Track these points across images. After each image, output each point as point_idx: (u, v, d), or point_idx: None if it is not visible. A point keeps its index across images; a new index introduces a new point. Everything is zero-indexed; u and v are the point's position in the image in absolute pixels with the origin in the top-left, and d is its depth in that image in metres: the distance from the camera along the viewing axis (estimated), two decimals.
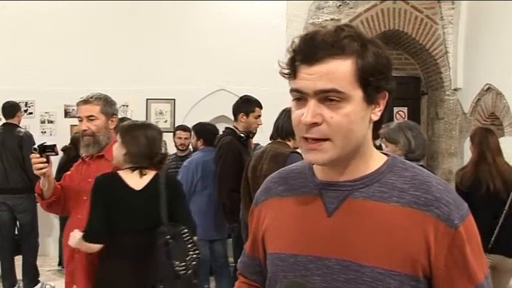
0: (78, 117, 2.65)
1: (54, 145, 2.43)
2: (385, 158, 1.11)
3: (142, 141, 2.45)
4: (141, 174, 2.45)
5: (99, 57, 6.35)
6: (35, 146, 2.42)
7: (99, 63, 6.33)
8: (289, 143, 3.31)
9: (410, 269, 0.99)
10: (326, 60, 0.99)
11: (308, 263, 1.07)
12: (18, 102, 5.64)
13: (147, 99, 6.48)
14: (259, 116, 4.01)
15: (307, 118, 1.00)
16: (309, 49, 1.00)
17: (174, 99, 6.49)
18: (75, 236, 2.39)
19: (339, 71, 0.98)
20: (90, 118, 2.58)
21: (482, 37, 5.61)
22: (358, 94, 1.00)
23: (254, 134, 4.08)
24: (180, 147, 5.30)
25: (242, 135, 3.97)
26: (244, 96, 4.14)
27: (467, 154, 5.74)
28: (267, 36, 6.26)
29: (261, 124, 4.05)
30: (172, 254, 2.35)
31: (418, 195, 1.02)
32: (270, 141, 3.49)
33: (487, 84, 5.43)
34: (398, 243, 1.00)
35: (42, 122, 6.51)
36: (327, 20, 6.31)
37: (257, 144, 4.64)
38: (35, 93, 6.37)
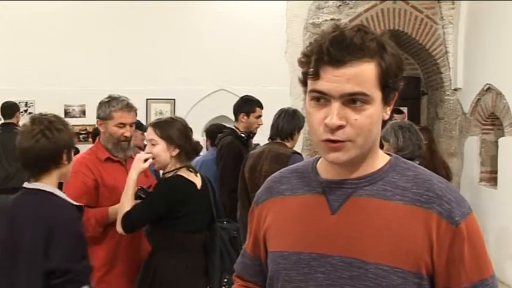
0: (121, 123, 2.70)
1: (149, 186, 2.54)
2: (388, 157, 1.12)
3: (190, 135, 2.55)
4: (196, 173, 2.54)
5: (99, 58, 6.35)
6: (142, 195, 2.45)
7: (99, 64, 6.32)
8: (287, 143, 3.30)
9: (413, 266, 1.00)
10: (353, 63, 0.99)
11: (311, 260, 1.07)
12: (18, 102, 5.65)
13: (147, 99, 6.48)
14: (260, 116, 4.01)
15: (333, 121, 0.99)
16: (338, 51, 0.98)
17: (174, 99, 6.49)
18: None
19: (365, 74, 0.99)
20: (131, 125, 2.76)
21: (482, 37, 5.61)
22: (379, 96, 1.02)
23: (255, 134, 4.08)
24: None
25: (243, 135, 3.97)
26: (244, 96, 4.14)
27: (468, 154, 5.76)
28: (267, 36, 6.26)
29: (261, 124, 4.04)
30: (239, 247, 2.49)
31: (421, 193, 1.03)
32: (267, 142, 3.48)
33: (487, 84, 5.43)
34: (402, 241, 1.01)
35: None
36: (327, 20, 6.30)
37: (257, 145, 4.64)
38: (35, 93, 6.36)
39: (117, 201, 2.47)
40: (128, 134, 2.73)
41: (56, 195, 1.98)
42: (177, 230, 2.39)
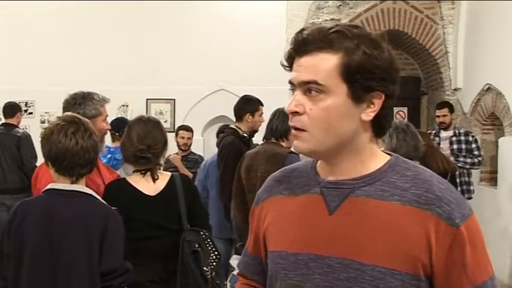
0: (106, 116, 2.63)
1: None
2: (387, 157, 1.10)
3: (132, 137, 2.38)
4: (154, 179, 2.38)
5: (99, 57, 6.35)
6: None
7: (99, 63, 6.33)
8: (283, 143, 3.30)
9: (411, 268, 0.99)
10: (313, 53, 1.02)
11: (309, 261, 1.06)
12: (18, 102, 5.65)
13: (147, 99, 6.49)
14: (262, 113, 4.03)
15: (289, 106, 1.05)
16: (300, 42, 1.04)
17: (174, 99, 6.49)
18: None
19: (322, 64, 1.01)
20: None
21: (482, 37, 5.61)
22: (342, 90, 1.01)
23: (256, 132, 4.09)
24: (182, 147, 5.31)
25: (245, 135, 3.97)
26: (244, 96, 4.14)
27: None
28: (267, 36, 6.26)
29: (263, 121, 4.05)
30: (201, 261, 2.37)
31: (420, 193, 1.02)
32: (262, 142, 3.48)
33: (487, 84, 5.43)
34: (400, 242, 1.00)
35: (42, 122, 6.51)
36: (327, 20, 6.30)
37: (257, 145, 4.66)
38: (35, 93, 6.37)
39: None
40: (108, 126, 2.65)
41: (95, 197, 2.00)
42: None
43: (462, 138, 5.22)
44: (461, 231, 0.99)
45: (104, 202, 2.04)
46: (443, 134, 5.32)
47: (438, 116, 5.40)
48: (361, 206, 1.04)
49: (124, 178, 2.42)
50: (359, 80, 1.00)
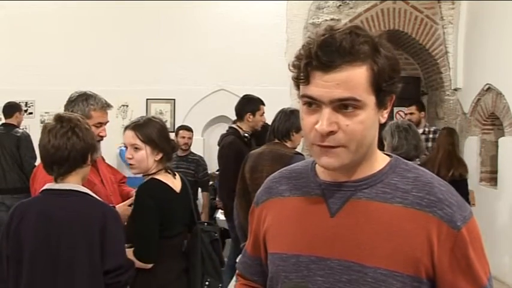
0: (99, 123, 2.54)
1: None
2: (388, 159, 1.11)
3: (169, 136, 2.42)
4: (174, 175, 2.43)
5: (99, 57, 6.35)
6: None
7: (99, 63, 6.33)
8: (287, 144, 3.30)
9: (412, 270, 0.99)
10: (343, 68, 0.96)
11: (310, 263, 1.06)
12: (18, 102, 5.65)
13: (147, 99, 6.48)
14: (263, 113, 4.02)
15: (323, 127, 0.97)
16: (326, 55, 0.95)
17: (174, 99, 6.49)
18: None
19: (356, 78, 0.96)
20: (105, 124, 2.60)
21: (482, 37, 5.61)
22: (371, 100, 0.99)
23: (257, 131, 4.09)
24: (183, 147, 5.31)
25: (246, 134, 3.97)
26: (245, 95, 4.14)
27: (467, 154, 5.75)
28: (267, 36, 6.26)
29: (265, 121, 4.05)
30: (220, 249, 2.54)
31: (421, 196, 1.02)
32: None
33: (487, 84, 5.43)
34: (401, 244, 1.00)
35: (42, 122, 6.50)
36: (326, 20, 6.30)
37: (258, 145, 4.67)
38: (35, 93, 6.36)
39: None
40: (103, 133, 2.57)
41: (91, 196, 1.98)
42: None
43: (430, 136, 5.35)
44: (462, 233, 0.99)
45: (101, 200, 2.02)
46: None
47: (406, 114, 5.64)
48: (363, 208, 1.04)
49: (153, 177, 2.36)
50: (384, 87, 0.99)
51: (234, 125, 4.13)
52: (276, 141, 3.32)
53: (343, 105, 0.97)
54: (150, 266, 2.24)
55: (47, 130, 1.93)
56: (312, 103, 1.00)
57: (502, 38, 5.12)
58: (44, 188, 1.97)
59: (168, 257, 2.33)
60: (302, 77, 0.99)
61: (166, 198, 2.30)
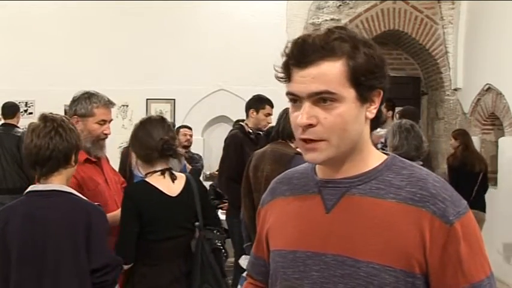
0: (102, 120, 2.56)
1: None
2: (384, 157, 1.12)
3: (143, 138, 2.38)
4: (173, 178, 2.37)
5: (99, 57, 6.35)
6: None
7: (99, 63, 6.33)
8: (291, 144, 3.31)
9: (405, 265, 1.00)
10: (317, 63, 1.01)
11: (306, 258, 1.08)
12: (18, 102, 5.66)
13: (147, 99, 6.48)
14: (270, 114, 4.15)
15: (302, 120, 1.02)
16: (300, 52, 1.02)
17: (174, 99, 6.49)
18: None
19: (330, 72, 1.01)
20: (110, 122, 2.61)
21: (482, 37, 5.61)
22: (350, 94, 1.02)
23: (263, 131, 4.15)
24: (185, 143, 5.34)
25: (250, 131, 4.11)
26: (257, 94, 4.28)
27: None
28: (267, 36, 6.25)
29: (270, 123, 4.11)
30: (221, 258, 2.46)
31: (414, 191, 1.03)
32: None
33: (487, 84, 5.43)
34: (394, 239, 1.01)
35: None
36: (327, 20, 6.31)
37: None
38: (35, 93, 6.36)
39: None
40: (108, 131, 2.59)
41: (75, 195, 1.97)
42: (140, 239, 2.27)
43: None
44: (455, 228, 1.00)
45: (85, 198, 2.01)
46: (378, 129, 5.36)
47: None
48: (357, 204, 1.06)
49: (144, 180, 2.36)
50: (364, 81, 1.02)
51: (241, 122, 4.30)
52: (280, 140, 3.33)
53: (322, 99, 1.02)
54: (127, 266, 2.23)
55: (30, 129, 1.92)
56: (296, 99, 1.05)
57: (502, 38, 5.13)
58: (28, 189, 1.96)
59: (161, 260, 2.30)
60: (284, 76, 1.06)
61: (150, 201, 2.28)
